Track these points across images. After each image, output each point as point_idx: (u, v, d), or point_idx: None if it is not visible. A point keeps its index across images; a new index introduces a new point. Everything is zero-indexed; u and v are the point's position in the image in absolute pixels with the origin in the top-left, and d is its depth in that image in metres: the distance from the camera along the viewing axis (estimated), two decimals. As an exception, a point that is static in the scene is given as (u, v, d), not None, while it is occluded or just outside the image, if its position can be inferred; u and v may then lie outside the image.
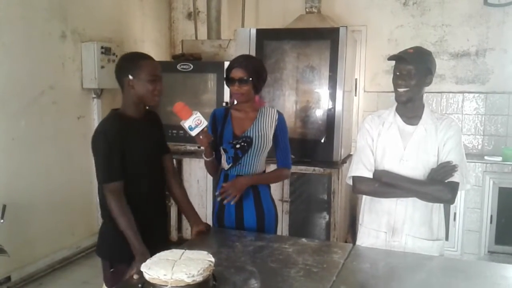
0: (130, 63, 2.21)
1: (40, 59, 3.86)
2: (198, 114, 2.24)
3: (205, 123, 2.25)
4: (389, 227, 2.25)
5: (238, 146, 2.44)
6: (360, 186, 2.28)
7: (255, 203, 2.51)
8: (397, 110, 2.28)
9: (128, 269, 2.02)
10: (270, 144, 2.51)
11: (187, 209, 2.44)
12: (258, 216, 2.52)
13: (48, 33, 3.93)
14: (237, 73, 2.40)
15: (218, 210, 2.55)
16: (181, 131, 4.40)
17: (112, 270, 2.20)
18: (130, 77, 2.17)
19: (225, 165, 2.49)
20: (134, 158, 2.16)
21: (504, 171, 4.11)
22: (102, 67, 4.29)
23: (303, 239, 2.30)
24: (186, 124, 2.22)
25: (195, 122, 2.22)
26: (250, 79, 2.41)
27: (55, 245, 4.07)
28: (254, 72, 2.43)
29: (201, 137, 2.27)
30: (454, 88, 4.69)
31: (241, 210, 2.50)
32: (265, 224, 2.54)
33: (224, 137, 2.48)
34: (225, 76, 2.49)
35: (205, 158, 2.45)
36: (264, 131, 2.47)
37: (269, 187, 2.62)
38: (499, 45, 4.52)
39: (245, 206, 2.50)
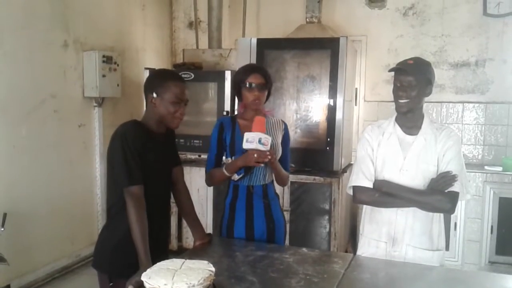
0: (157, 80, 2.17)
1: (41, 68, 3.87)
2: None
3: (268, 147, 2.22)
4: (389, 237, 2.25)
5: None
6: (360, 196, 2.28)
7: (265, 214, 2.48)
8: (396, 120, 2.29)
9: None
10: (280, 152, 2.48)
11: (193, 222, 2.43)
12: (269, 227, 2.49)
13: (50, 41, 3.95)
14: (257, 79, 2.39)
15: (228, 222, 2.51)
16: (182, 140, 4.41)
17: (111, 284, 2.14)
18: (154, 95, 2.13)
19: (235, 176, 2.44)
20: (146, 170, 2.11)
21: (504, 181, 4.11)
22: (104, 76, 4.31)
23: (304, 249, 2.30)
24: (259, 135, 2.19)
25: (265, 140, 2.20)
26: (267, 85, 2.43)
27: (55, 253, 4.06)
28: (270, 79, 2.46)
29: (255, 155, 2.20)
30: (454, 98, 4.71)
31: (252, 221, 2.47)
32: (275, 235, 2.51)
33: (236, 148, 2.42)
34: (239, 83, 2.43)
35: (227, 173, 2.39)
36: (274, 140, 2.44)
37: (278, 197, 2.60)
38: (499, 55, 4.54)
39: (255, 217, 2.47)
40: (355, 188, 2.29)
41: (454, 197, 2.12)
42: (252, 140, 2.19)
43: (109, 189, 2.24)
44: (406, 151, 2.22)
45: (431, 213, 2.20)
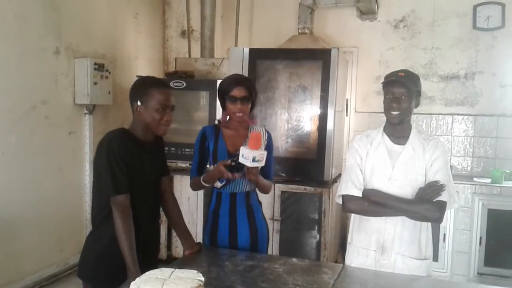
0: (140, 88, 2.15)
1: (33, 74, 3.86)
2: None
3: (263, 163, 2.25)
4: (378, 245, 2.27)
5: (233, 163, 2.43)
6: (349, 205, 2.30)
7: (248, 220, 2.51)
8: (385, 130, 2.32)
9: None
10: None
11: (181, 231, 2.41)
12: (252, 234, 2.52)
13: (42, 48, 3.94)
14: (241, 92, 2.41)
15: (211, 228, 2.53)
16: (173, 148, 4.41)
17: None
18: (139, 103, 2.12)
19: (217, 183, 2.47)
20: (133, 179, 2.09)
21: (493, 193, 4.13)
22: (95, 83, 4.30)
23: (294, 259, 2.30)
24: (253, 154, 2.20)
25: (259, 157, 2.21)
26: (251, 98, 2.45)
27: (43, 261, 4.02)
28: (254, 91, 2.48)
29: (254, 171, 2.27)
30: (443, 110, 4.75)
31: (235, 228, 2.49)
32: (258, 241, 2.54)
33: (218, 155, 2.46)
34: (222, 94, 2.47)
35: (204, 184, 2.42)
36: None
37: (261, 205, 2.63)
38: (488, 68, 4.60)
39: (239, 224, 2.49)
40: (344, 196, 2.31)
41: (442, 206, 2.14)
42: (247, 157, 2.21)
43: (95, 198, 2.21)
44: (395, 160, 2.24)
45: (419, 222, 2.23)
